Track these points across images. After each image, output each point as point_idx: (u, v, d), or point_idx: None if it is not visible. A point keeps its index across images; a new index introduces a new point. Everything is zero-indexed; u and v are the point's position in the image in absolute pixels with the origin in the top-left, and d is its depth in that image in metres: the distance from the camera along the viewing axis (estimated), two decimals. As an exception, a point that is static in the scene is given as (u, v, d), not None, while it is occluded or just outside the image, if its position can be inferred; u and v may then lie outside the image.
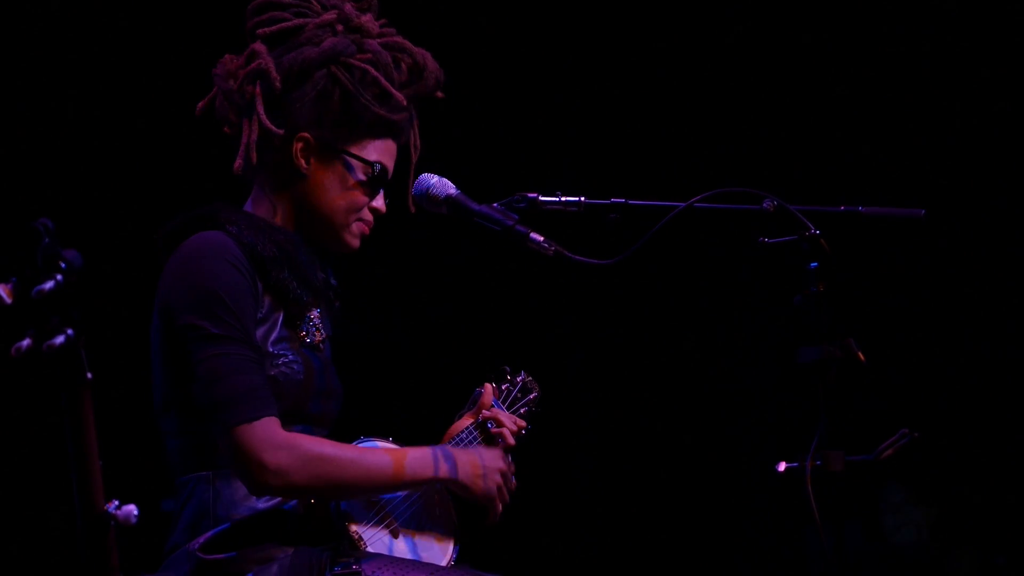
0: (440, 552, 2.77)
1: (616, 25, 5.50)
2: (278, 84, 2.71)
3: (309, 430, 2.71)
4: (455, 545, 2.79)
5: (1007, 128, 5.39)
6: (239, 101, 2.75)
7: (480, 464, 2.75)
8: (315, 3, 2.80)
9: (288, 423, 2.64)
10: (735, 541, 5.66)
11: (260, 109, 2.72)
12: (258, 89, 2.72)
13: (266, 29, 2.76)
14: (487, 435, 2.96)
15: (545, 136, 5.46)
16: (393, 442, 2.78)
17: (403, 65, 2.80)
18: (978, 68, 5.40)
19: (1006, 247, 5.43)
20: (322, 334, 2.79)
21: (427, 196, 2.76)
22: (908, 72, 5.45)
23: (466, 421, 2.99)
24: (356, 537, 2.64)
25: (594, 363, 5.63)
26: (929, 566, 5.37)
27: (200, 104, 2.84)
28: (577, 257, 2.60)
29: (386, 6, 2.89)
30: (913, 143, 5.48)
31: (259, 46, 2.75)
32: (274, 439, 2.53)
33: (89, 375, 1.80)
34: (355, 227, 2.80)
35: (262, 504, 2.61)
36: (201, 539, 2.58)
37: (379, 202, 2.81)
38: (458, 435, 2.98)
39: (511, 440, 2.94)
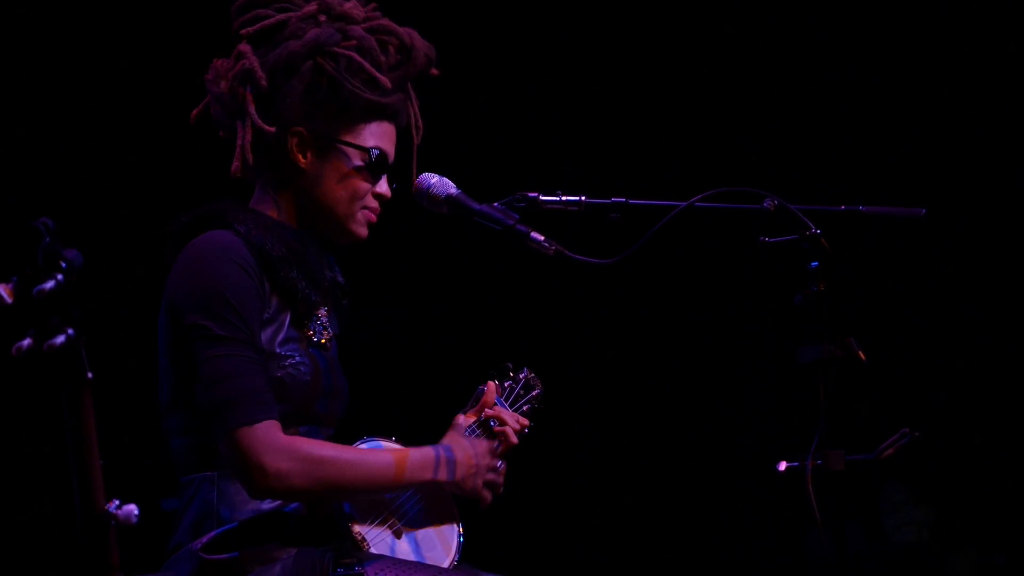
0: (443, 549, 2.77)
1: (617, 24, 5.50)
2: (264, 83, 2.71)
3: (315, 430, 2.71)
4: (459, 540, 2.79)
5: (1008, 127, 5.39)
6: (230, 104, 2.75)
7: (473, 463, 2.76)
8: None
9: (294, 423, 2.64)
10: (735, 540, 5.66)
11: (251, 109, 2.72)
12: (247, 90, 2.72)
13: (250, 29, 2.76)
14: (489, 433, 2.96)
15: (545, 135, 5.46)
16: (396, 441, 2.78)
17: (390, 48, 2.79)
18: (979, 67, 5.39)
19: (1007, 246, 5.43)
20: (329, 333, 2.78)
21: (428, 195, 2.76)
22: (909, 71, 5.45)
23: (468, 419, 2.99)
24: (359, 538, 2.64)
25: (594, 362, 5.63)
26: (929, 565, 5.36)
27: (194, 112, 2.84)
28: (577, 256, 2.60)
29: (386, 6, 2.89)
30: (914, 142, 5.48)
31: (244, 46, 2.75)
32: (275, 443, 2.53)
33: (89, 374, 1.80)
34: (360, 215, 2.79)
35: (266, 505, 2.61)
36: (204, 539, 2.58)
37: (383, 187, 2.80)
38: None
39: (514, 439, 2.94)
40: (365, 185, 2.78)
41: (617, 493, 5.62)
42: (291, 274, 2.68)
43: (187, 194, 3.06)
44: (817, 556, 5.21)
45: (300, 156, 2.75)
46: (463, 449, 2.76)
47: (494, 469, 2.81)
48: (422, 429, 2.98)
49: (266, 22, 2.76)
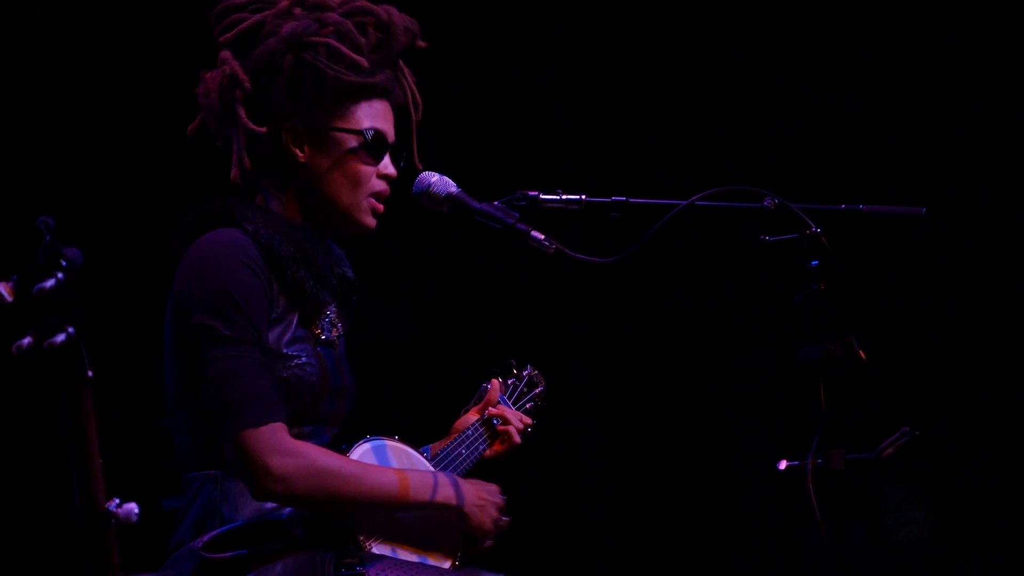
0: (442, 567, 2.75)
1: (618, 23, 5.50)
2: (248, 85, 2.71)
3: (320, 430, 2.70)
4: (454, 565, 2.76)
5: (1009, 127, 5.39)
6: (221, 113, 2.75)
7: (482, 496, 2.73)
8: None
9: (300, 423, 2.64)
10: (736, 539, 5.66)
11: (241, 114, 2.71)
12: (235, 95, 2.71)
13: (229, 35, 2.76)
14: (492, 432, 2.95)
15: (546, 134, 5.46)
16: (399, 440, 2.77)
17: (369, 28, 2.77)
18: (980, 67, 5.39)
19: (1007, 246, 5.43)
20: (338, 330, 2.78)
21: (428, 194, 2.75)
22: (910, 70, 5.45)
23: (472, 417, 2.98)
24: (362, 541, 2.63)
25: (595, 362, 5.63)
26: (930, 565, 5.36)
27: (190, 127, 2.83)
28: (578, 255, 2.60)
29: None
30: (914, 141, 5.47)
31: (225, 53, 2.75)
32: (280, 445, 2.52)
33: (90, 373, 1.80)
34: (366, 204, 2.77)
35: (269, 506, 2.60)
36: (205, 537, 2.58)
37: (387, 167, 2.79)
38: (464, 432, 2.97)
39: (517, 438, 2.94)
40: (367, 168, 2.76)
41: (618, 492, 5.62)
42: (299, 273, 2.67)
43: (188, 193, 3.06)
44: (817, 555, 5.21)
45: (297, 151, 2.74)
46: (472, 483, 2.74)
47: (502, 513, 2.77)
48: (424, 427, 2.98)
49: (243, 25, 2.76)
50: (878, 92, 5.49)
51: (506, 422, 2.94)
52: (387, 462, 2.72)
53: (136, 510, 1.84)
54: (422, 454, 2.86)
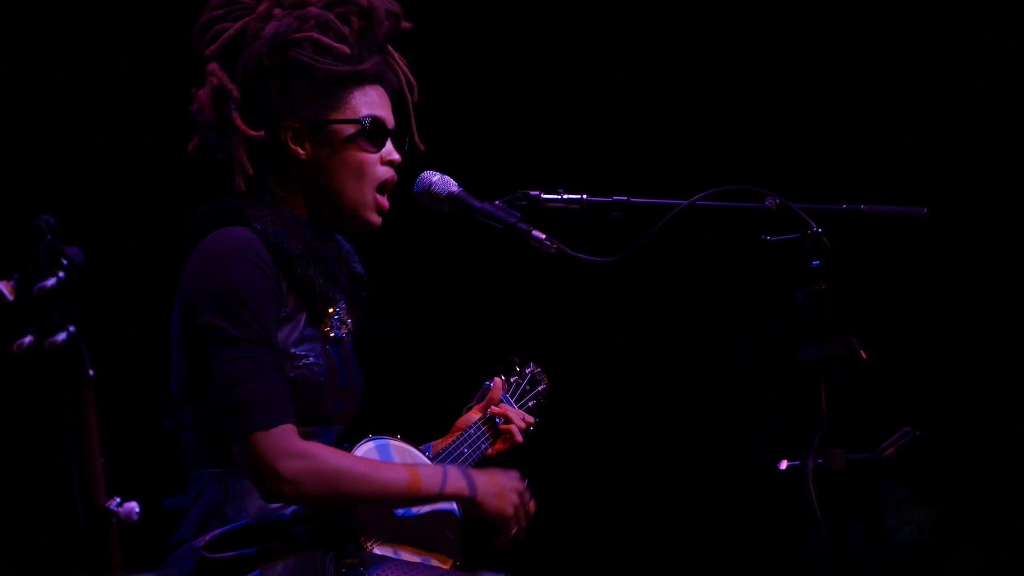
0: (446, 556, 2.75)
1: (619, 22, 5.49)
2: (239, 92, 2.71)
3: (327, 429, 2.70)
4: (454, 566, 2.76)
5: (1010, 126, 5.39)
6: (219, 126, 2.75)
7: (498, 483, 2.72)
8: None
9: (307, 422, 2.63)
10: (736, 539, 5.66)
11: (237, 121, 2.71)
12: (227, 106, 2.72)
13: (213, 47, 2.76)
14: (495, 431, 2.95)
15: (547, 134, 5.46)
16: (402, 439, 2.77)
17: (351, 17, 2.77)
18: (981, 66, 5.39)
19: (1008, 245, 5.43)
20: (347, 327, 2.77)
21: (429, 194, 2.75)
22: (911, 70, 5.45)
23: (474, 416, 2.98)
24: (364, 542, 2.62)
25: (595, 361, 5.63)
26: (930, 565, 5.36)
27: (190, 147, 2.83)
28: (579, 255, 2.60)
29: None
30: (915, 141, 5.47)
31: (212, 65, 2.76)
32: (290, 447, 2.52)
33: (91, 372, 1.80)
34: (371, 199, 2.76)
35: (272, 506, 2.60)
36: (207, 537, 2.57)
37: (390, 153, 2.79)
38: (466, 430, 2.97)
39: (519, 437, 2.94)
40: (370, 156, 2.76)
41: (618, 491, 5.62)
42: (308, 271, 2.66)
43: (189, 192, 3.06)
44: (818, 555, 5.21)
45: (298, 148, 2.74)
46: (487, 473, 2.73)
47: (524, 501, 2.76)
48: (426, 425, 2.98)
49: (226, 35, 2.76)
50: (879, 92, 5.49)
51: (508, 421, 2.94)
52: (391, 461, 2.72)
53: (137, 509, 1.84)
54: (424, 452, 2.86)
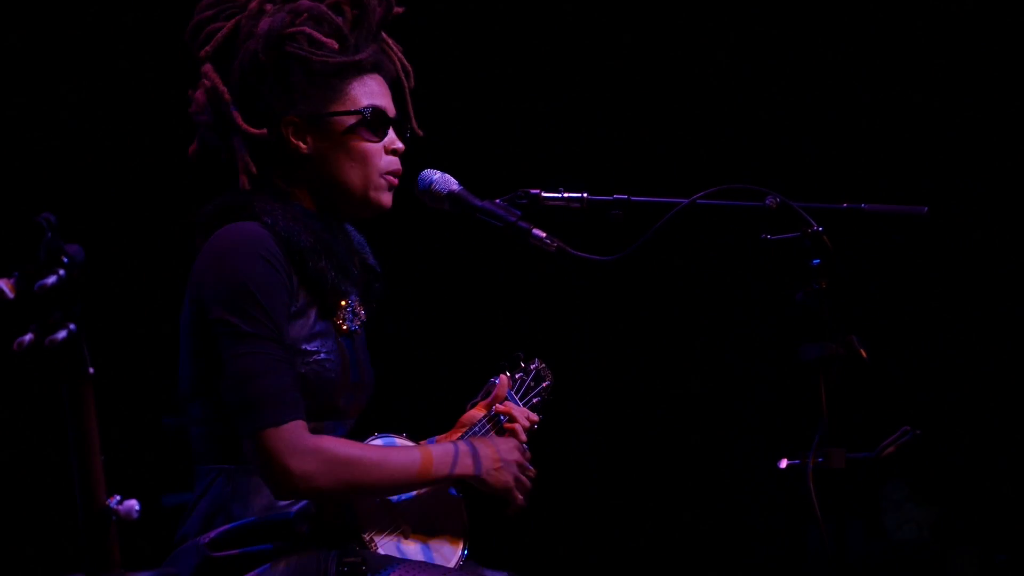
0: (451, 551, 2.76)
1: (619, 21, 5.49)
2: (229, 96, 2.70)
3: (338, 424, 2.70)
4: (464, 546, 2.77)
5: (1010, 125, 5.38)
6: (220, 127, 2.74)
7: (498, 457, 2.73)
8: None
9: (319, 417, 2.63)
10: (736, 537, 5.66)
11: (238, 120, 2.71)
12: (226, 106, 2.71)
13: (207, 48, 2.75)
14: (499, 429, 2.95)
15: (547, 132, 5.45)
16: (407, 437, 2.77)
17: (344, 7, 2.76)
18: (981, 65, 5.39)
19: (1009, 245, 5.43)
20: (360, 318, 2.77)
21: (430, 192, 2.75)
22: (911, 69, 5.45)
23: (479, 413, 2.98)
24: (367, 539, 2.63)
25: (595, 360, 5.62)
26: (930, 564, 5.36)
27: (191, 149, 2.82)
28: (579, 253, 2.60)
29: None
30: (917, 140, 5.47)
31: (206, 67, 2.75)
32: (300, 444, 2.52)
33: (91, 370, 1.80)
34: (379, 181, 2.76)
35: (278, 505, 2.60)
36: (212, 534, 2.58)
37: (393, 142, 2.78)
38: (471, 428, 2.97)
39: (523, 436, 2.94)
40: (373, 146, 2.75)
41: (619, 490, 5.62)
42: (320, 264, 2.65)
43: (189, 190, 3.06)
44: (818, 554, 5.21)
45: (300, 143, 2.73)
46: (486, 445, 2.74)
47: (525, 467, 2.78)
48: (430, 420, 2.98)
49: (219, 35, 2.75)
50: (880, 90, 5.49)
51: (513, 419, 2.94)
52: None
53: (137, 507, 1.84)
54: None
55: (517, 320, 5.40)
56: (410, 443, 2.77)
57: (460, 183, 2.75)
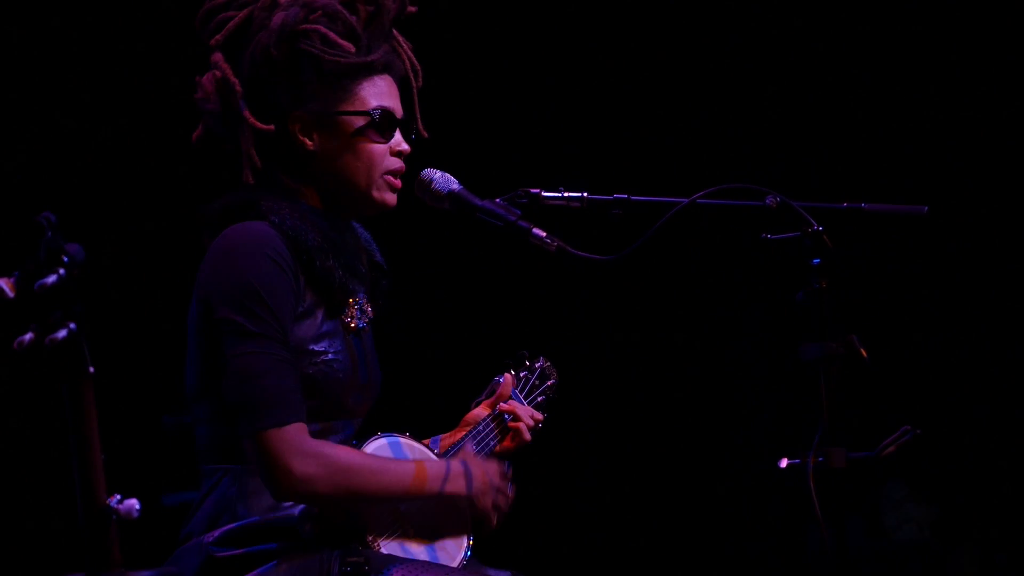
0: (456, 550, 2.75)
1: (619, 20, 5.49)
2: (245, 85, 2.69)
3: (348, 424, 2.70)
4: (468, 545, 2.77)
5: (1011, 125, 5.38)
6: (225, 116, 2.72)
7: (487, 480, 2.73)
8: None
9: (327, 417, 2.64)
10: (736, 536, 5.66)
11: (246, 114, 2.70)
12: (234, 98, 2.70)
13: (218, 37, 2.73)
14: (503, 428, 2.94)
15: (548, 131, 5.45)
16: (410, 436, 2.77)
17: (358, 4, 2.75)
18: (982, 64, 5.39)
19: (1009, 244, 5.43)
20: (367, 316, 2.77)
21: (430, 191, 2.74)
22: (912, 68, 5.44)
23: (483, 412, 2.97)
24: (371, 539, 2.62)
25: (595, 359, 5.62)
26: (930, 563, 5.36)
27: (195, 135, 2.80)
28: (580, 253, 2.60)
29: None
30: (917, 140, 5.47)
31: (216, 56, 2.73)
32: (302, 446, 2.52)
33: (91, 369, 1.80)
34: (383, 181, 2.75)
35: (283, 505, 2.60)
36: (216, 533, 2.57)
37: (399, 143, 2.77)
38: (475, 426, 2.96)
39: (527, 436, 2.93)
40: (379, 147, 2.74)
41: (619, 489, 5.62)
42: (328, 263, 2.65)
43: (189, 189, 3.05)
44: (818, 553, 5.21)
45: (307, 140, 2.72)
46: (478, 466, 2.74)
47: (503, 493, 2.78)
48: (434, 419, 2.97)
49: (230, 25, 2.73)
50: (880, 89, 5.49)
51: (517, 418, 2.94)
52: (404, 458, 2.72)
53: (137, 506, 1.85)
54: (431, 446, 2.86)
55: (519, 319, 5.40)
56: (414, 442, 2.77)
57: (460, 182, 2.75)
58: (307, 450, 2.52)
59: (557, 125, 5.47)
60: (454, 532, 2.75)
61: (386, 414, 2.83)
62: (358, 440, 2.68)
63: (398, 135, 2.78)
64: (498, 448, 2.99)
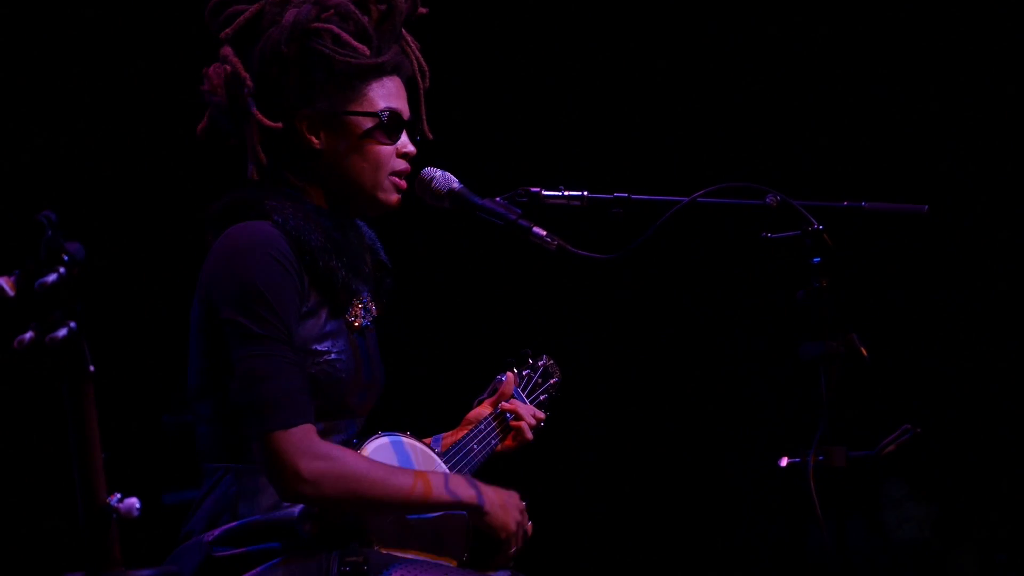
0: (457, 550, 2.74)
1: (620, 20, 5.49)
2: (255, 80, 2.68)
3: (351, 423, 2.70)
4: (467, 546, 2.76)
5: (1011, 124, 5.38)
6: (232, 111, 2.71)
7: (503, 498, 2.72)
8: None
9: (331, 416, 2.64)
10: (737, 535, 5.66)
11: (253, 111, 2.68)
12: (242, 92, 2.68)
13: (228, 30, 2.72)
14: (505, 427, 2.94)
15: (548, 130, 5.45)
16: (411, 435, 2.77)
17: (370, 4, 2.74)
18: (982, 63, 5.39)
19: (1009, 243, 5.43)
20: (371, 315, 2.77)
21: (430, 190, 2.74)
22: (913, 67, 5.44)
23: (485, 410, 2.97)
24: (371, 538, 2.62)
25: (596, 358, 5.62)
26: (930, 562, 5.36)
27: (200, 127, 2.79)
28: (580, 252, 2.59)
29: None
30: (917, 138, 5.47)
31: (226, 49, 2.71)
32: (311, 448, 2.52)
33: (91, 368, 1.80)
34: (388, 183, 2.75)
35: (284, 505, 2.59)
36: (216, 532, 2.57)
37: (405, 145, 2.77)
38: (477, 425, 2.96)
39: (529, 435, 2.93)
40: (386, 148, 2.74)
41: (619, 488, 5.62)
42: (331, 263, 2.65)
43: (189, 188, 3.05)
44: (818, 552, 5.21)
45: (313, 139, 2.72)
46: (493, 488, 2.72)
47: (524, 519, 2.76)
48: (436, 417, 2.97)
49: (241, 19, 2.72)
50: (881, 88, 5.49)
51: (519, 417, 2.93)
52: (406, 457, 2.72)
53: (137, 505, 1.85)
54: (433, 446, 2.85)
55: (519, 318, 5.40)
56: (415, 442, 2.77)
57: (460, 181, 2.75)
58: (318, 451, 2.52)
59: (557, 124, 5.47)
60: (455, 533, 2.74)
61: (388, 412, 2.83)
62: (359, 439, 2.68)
63: (404, 136, 2.78)
64: (499, 447, 2.99)
